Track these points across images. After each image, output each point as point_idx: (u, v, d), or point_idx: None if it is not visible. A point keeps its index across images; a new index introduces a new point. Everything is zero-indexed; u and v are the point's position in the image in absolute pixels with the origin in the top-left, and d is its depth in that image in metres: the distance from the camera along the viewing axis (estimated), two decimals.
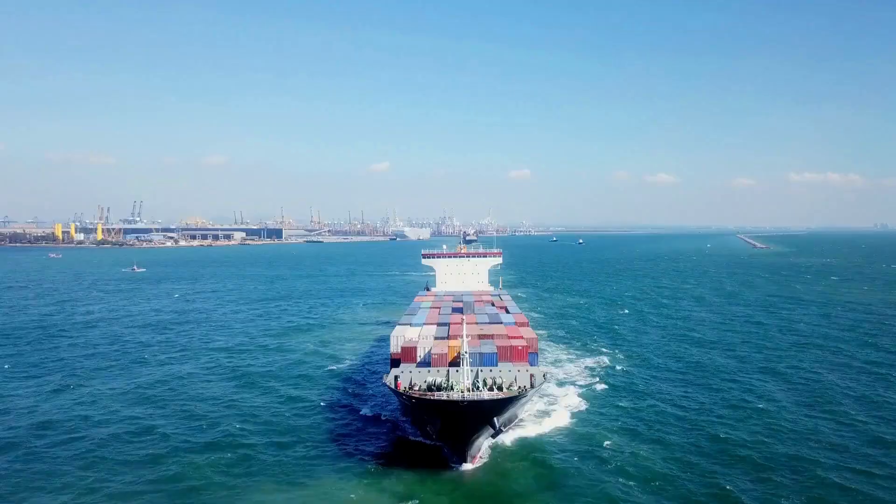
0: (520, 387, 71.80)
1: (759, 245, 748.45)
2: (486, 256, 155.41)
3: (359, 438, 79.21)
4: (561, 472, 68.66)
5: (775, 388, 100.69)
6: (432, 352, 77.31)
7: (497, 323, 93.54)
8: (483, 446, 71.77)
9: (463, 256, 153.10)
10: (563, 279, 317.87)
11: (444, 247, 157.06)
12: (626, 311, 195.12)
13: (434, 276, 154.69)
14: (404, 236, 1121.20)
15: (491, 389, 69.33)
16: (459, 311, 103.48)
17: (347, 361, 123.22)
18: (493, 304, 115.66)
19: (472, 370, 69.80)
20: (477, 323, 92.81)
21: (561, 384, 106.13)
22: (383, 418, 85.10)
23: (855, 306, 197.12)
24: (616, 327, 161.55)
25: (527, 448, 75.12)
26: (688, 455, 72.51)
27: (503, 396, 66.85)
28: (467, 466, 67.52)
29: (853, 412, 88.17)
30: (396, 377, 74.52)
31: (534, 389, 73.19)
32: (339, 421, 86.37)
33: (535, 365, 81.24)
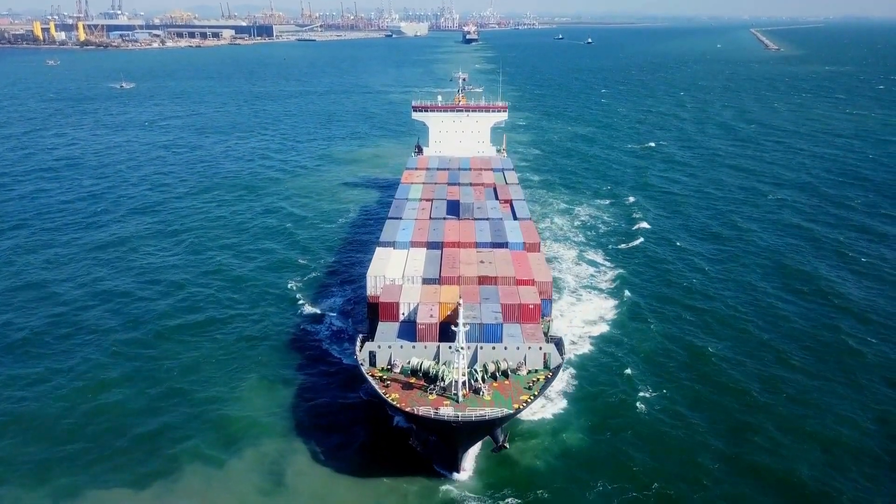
0: (530, 372, 59.24)
1: (771, 46, 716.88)
2: (488, 111, 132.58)
3: (330, 413, 66.62)
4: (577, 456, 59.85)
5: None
6: (418, 318, 62.83)
7: (501, 245, 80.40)
8: (479, 446, 59.55)
9: (461, 110, 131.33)
10: (564, 99, 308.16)
11: (440, 97, 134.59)
12: (630, 145, 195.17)
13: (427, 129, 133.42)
14: (400, 32, 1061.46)
15: (493, 377, 57.73)
16: (455, 210, 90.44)
17: (319, 229, 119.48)
18: (495, 194, 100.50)
19: (469, 347, 56.90)
20: (476, 247, 79.62)
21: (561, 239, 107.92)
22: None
23: None
24: (613, 165, 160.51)
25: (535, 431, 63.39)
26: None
27: (506, 414, 53.59)
28: (460, 476, 56.72)
29: None
30: (372, 354, 59.82)
31: (550, 380, 58.82)
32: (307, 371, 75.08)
33: (547, 315, 69.40)
